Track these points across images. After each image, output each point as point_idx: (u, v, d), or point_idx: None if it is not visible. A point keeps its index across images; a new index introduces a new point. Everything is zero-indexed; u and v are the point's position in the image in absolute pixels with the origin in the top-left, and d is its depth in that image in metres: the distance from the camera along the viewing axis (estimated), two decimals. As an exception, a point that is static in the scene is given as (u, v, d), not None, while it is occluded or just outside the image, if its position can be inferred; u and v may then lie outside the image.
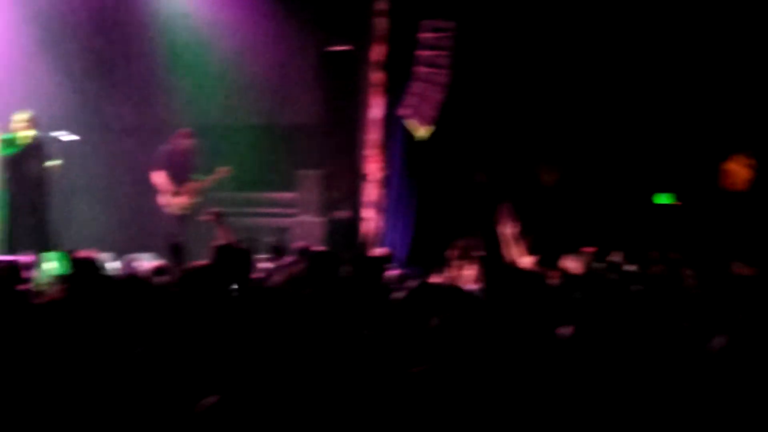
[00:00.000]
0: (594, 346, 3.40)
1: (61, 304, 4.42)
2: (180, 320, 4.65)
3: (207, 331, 4.72)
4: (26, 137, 10.58)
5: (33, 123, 10.66)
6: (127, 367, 4.00)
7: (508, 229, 9.14)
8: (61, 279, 5.62)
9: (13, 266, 5.48)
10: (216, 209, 8.28)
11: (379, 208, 12.57)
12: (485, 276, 6.62)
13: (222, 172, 12.04)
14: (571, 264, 8.12)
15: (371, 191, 12.65)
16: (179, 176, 11.84)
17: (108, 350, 3.97)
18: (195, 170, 12.06)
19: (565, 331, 4.32)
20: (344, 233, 12.76)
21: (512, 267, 7.81)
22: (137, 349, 4.36)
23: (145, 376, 4.08)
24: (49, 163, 10.76)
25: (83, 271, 3.97)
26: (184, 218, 11.89)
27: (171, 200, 11.80)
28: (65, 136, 10.78)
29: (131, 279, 4.79)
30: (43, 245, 9.87)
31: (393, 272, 7.83)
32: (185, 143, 11.89)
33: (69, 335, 3.82)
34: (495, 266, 7.45)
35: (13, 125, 10.68)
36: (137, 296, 4.39)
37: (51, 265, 8.83)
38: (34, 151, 10.67)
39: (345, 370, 4.06)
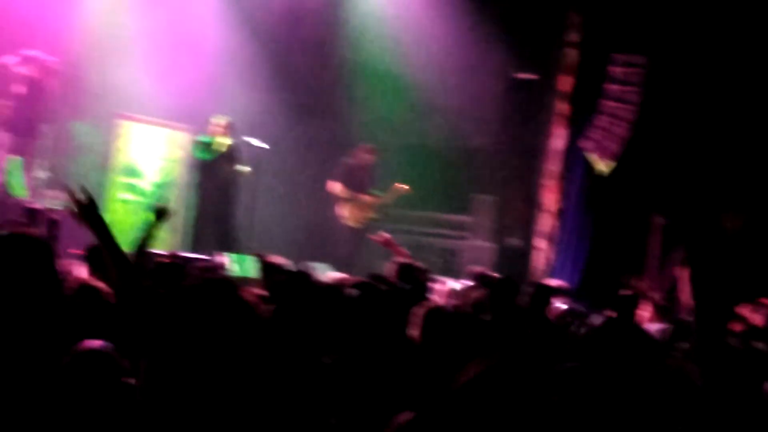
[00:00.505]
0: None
1: (263, 307, 4.58)
2: (370, 334, 4.74)
3: (393, 347, 4.80)
4: (222, 144, 10.96)
5: (230, 129, 11.05)
6: (320, 377, 4.10)
7: (682, 273, 8.96)
8: (258, 282, 5.82)
9: (211, 265, 5.70)
10: (386, 234, 8.34)
11: (552, 239, 12.49)
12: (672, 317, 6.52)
13: (400, 189, 12.20)
14: (752, 314, 7.90)
15: (545, 221, 12.58)
16: (357, 190, 12.06)
17: (304, 356, 4.08)
18: (373, 185, 12.26)
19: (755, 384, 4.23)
20: (514, 261, 12.73)
21: (695, 312, 7.66)
22: (327, 359, 4.47)
23: (337, 387, 4.18)
24: (240, 168, 11.14)
25: (292, 279, 4.11)
26: (358, 231, 12.09)
27: (348, 212, 12.03)
28: (257, 142, 11.13)
29: (329, 288, 4.91)
30: (228, 248, 10.21)
31: (562, 306, 7.78)
32: (366, 158, 12.10)
33: (270, 339, 3.94)
34: (677, 309, 7.34)
35: (211, 128, 11.09)
36: (333, 306, 4.51)
37: (235, 267, 9.13)
38: (228, 156, 11.06)
39: (531, 403, 4.06)
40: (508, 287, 6.56)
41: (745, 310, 7.92)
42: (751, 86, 11.43)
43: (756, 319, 7.85)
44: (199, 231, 10.99)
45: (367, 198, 12.12)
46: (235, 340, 3.70)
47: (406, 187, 12.25)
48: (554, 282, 8.92)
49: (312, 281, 4.31)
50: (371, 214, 12.22)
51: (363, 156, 12.11)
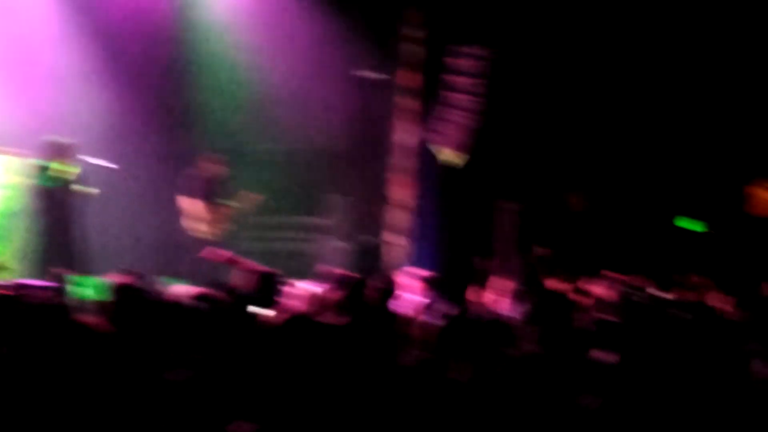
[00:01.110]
0: (640, 374, 3.38)
1: (107, 328, 4.44)
2: (216, 345, 4.65)
3: (242, 357, 4.72)
4: (65, 171, 10.65)
5: (69, 150, 10.73)
6: (163, 394, 4.00)
7: (535, 255, 9.12)
8: (101, 304, 5.64)
9: (51, 289, 5.50)
10: (217, 250, 8.02)
11: (408, 234, 12.57)
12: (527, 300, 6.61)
13: (250, 198, 12.06)
14: (601, 289, 8.10)
15: (397, 216, 12.65)
16: (208, 202, 11.86)
17: (145, 374, 3.98)
18: (224, 196, 12.08)
19: (604, 356, 4.31)
20: (370, 259, 12.75)
21: (547, 291, 7.80)
22: (170, 375, 4.37)
23: (182, 403, 4.09)
24: (82, 189, 10.84)
25: (127, 296, 3.99)
26: (212, 244, 11.89)
27: (200, 226, 11.82)
28: (101, 162, 10.85)
29: (168, 303, 4.79)
30: (74, 270, 9.91)
31: (422, 299, 7.81)
32: (214, 168, 11.93)
33: (110, 357, 3.84)
34: (533, 291, 7.46)
35: (47, 152, 10.73)
36: (180, 321, 4.41)
37: (82, 290, 8.86)
38: (71, 181, 10.77)
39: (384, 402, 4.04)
40: (361, 287, 6.48)
41: (591, 285, 8.11)
42: (591, 69, 11.78)
43: (601, 292, 8.05)
44: (43, 256, 10.65)
45: (219, 209, 11.94)
46: (73, 361, 3.59)
47: (256, 194, 12.11)
48: (420, 271, 8.92)
49: (147, 297, 4.20)
50: (224, 225, 12.04)
51: (209, 167, 11.93)
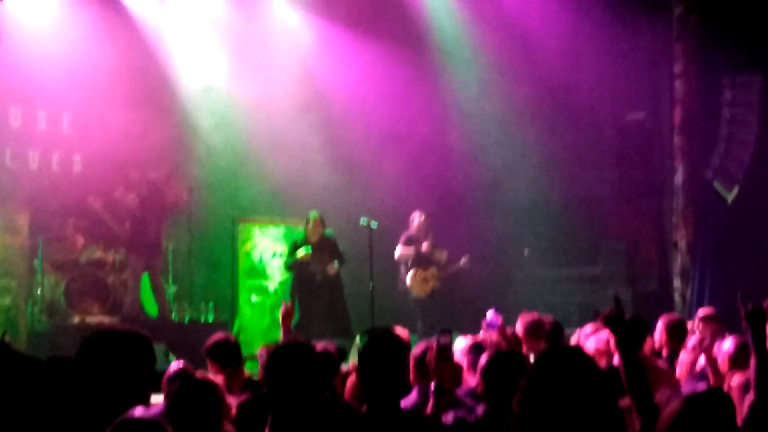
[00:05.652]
0: None
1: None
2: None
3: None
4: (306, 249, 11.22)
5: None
6: None
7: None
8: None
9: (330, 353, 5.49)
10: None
11: (686, 276, 11.98)
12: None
13: (462, 262, 12.03)
14: None
15: (679, 260, 12.08)
16: (422, 259, 11.82)
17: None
18: (436, 248, 11.96)
19: None
20: (653, 306, 12.20)
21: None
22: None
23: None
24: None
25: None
26: (425, 301, 11.82)
27: (413, 283, 11.77)
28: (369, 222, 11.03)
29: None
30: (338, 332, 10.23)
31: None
32: (422, 224, 11.88)
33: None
34: None
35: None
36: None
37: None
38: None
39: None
40: (633, 329, 6.08)
41: None
42: None
43: None
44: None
45: (430, 269, 11.82)
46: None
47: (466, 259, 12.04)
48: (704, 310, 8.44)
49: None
50: (436, 284, 11.91)
51: (420, 222, 11.88)
